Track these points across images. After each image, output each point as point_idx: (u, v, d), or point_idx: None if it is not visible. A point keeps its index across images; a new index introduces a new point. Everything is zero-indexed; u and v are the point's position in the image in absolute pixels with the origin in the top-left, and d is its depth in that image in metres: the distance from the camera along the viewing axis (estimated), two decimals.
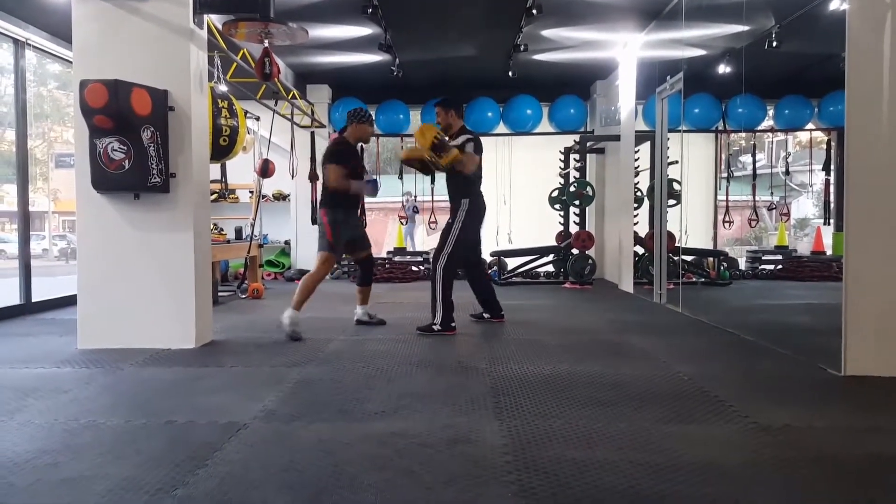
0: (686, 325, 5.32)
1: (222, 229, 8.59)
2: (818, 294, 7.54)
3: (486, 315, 5.45)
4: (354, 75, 9.14)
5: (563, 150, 9.32)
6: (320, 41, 7.52)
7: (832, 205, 9.90)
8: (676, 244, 7.33)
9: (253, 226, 8.10)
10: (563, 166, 9.33)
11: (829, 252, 9.79)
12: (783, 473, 2.16)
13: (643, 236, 8.19)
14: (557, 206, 9.31)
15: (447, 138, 4.82)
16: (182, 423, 2.68)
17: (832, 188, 9.96)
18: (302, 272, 8.11)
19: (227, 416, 2.76)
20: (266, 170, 7.90)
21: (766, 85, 9.18)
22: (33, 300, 6.04)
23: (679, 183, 7.42)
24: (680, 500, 1.94)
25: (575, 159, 8.92)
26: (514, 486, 2.03)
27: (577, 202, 8.72)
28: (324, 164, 4.91)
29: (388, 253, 9.93)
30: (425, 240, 12.61)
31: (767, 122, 10.02)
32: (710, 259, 9.25)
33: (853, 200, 3.48)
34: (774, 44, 6.96)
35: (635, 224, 8.02)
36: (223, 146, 6.03)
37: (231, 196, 9.41)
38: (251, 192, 9.25)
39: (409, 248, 11.27)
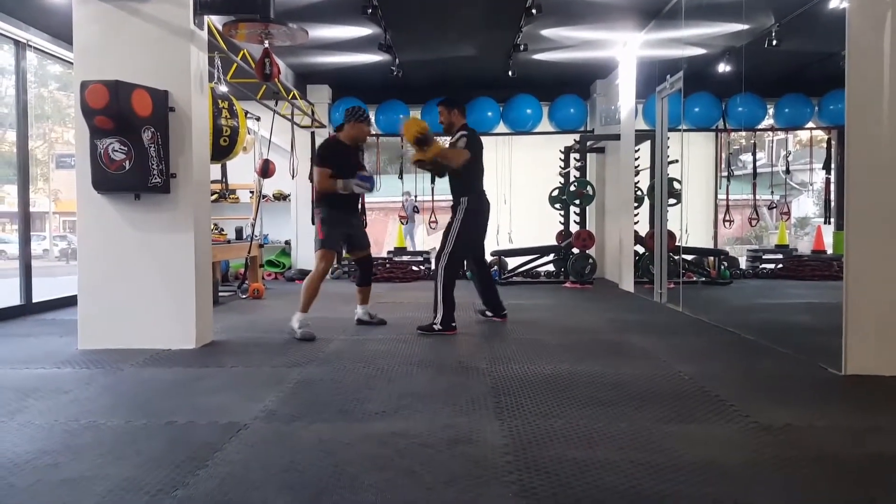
0: (686, 325, 5.32)
1: (223, 229, 8.60)
2: (819, 293, 7.53)
3: (488, 313, 5.46)
4: (354, 75, 9.14)
5: (563, 150, 9.32)
6: (320, 41, 7.52)
7: (832, 203, 9.90)
8: (677, 243, 7.33)
9: (253, 226, 8.10)
10: (563, 166, 9.33)
11: (829, 251, 9.78)
12: (784, 473, 2.15)
13: (643, 235, 8.19)
14: (558, 206, 9.31)
15: (432, 133, 4.82)
16: (182, 424, 2.68)
17: (832, 187, 9.95)
18: (303, 272, 8.12)
19: (227, 417, 2.76)
20: (266, 170, 7.90)
21: (766, 84, 9.18)
22: (34, 301, 6.05)
23: (679, 182, 7.41)
24: (681, 499, 1.94)
25: (575, 158, 8.92)
26: (515, 486, 2.03)
27: (577, 201, 8.72)
28: (312, 166, 4.92)
29: (389, 253, 9.93)
30: (426, 239, 12.62)
31: (768, 121, 10.01)
32: (711, 258, 9.25)
33: (853, 199, 3.48)
34: (774, 42, 6.96)
35: (636, 223, 8.02)
36: (224, 146, 6.04)
37: (231, 196, 9.42)
38: (252, 192, 9.26)
39: (410, 248, 11.27)
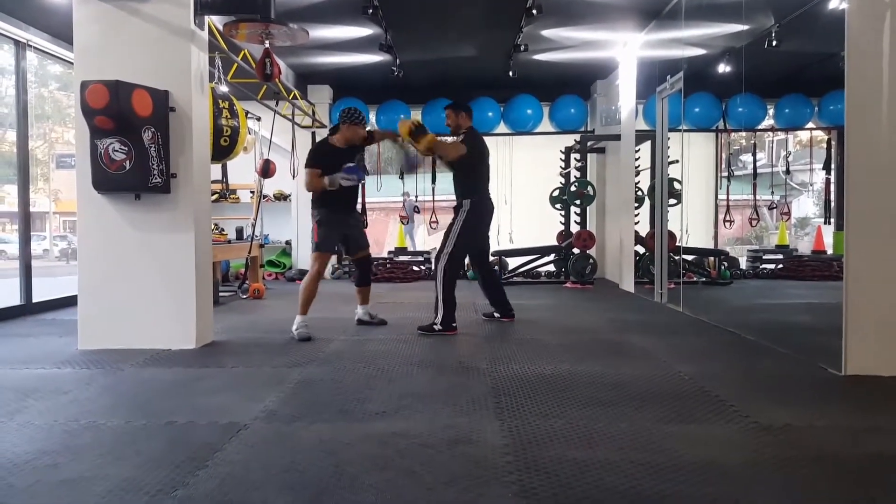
0: (687, 325, 5.32)
1: (223, 229, 8.61)
2: (819, 293, 7.53)
3: (496, 314, 5.47)
4: (355, 75, 9.15)
5: (563, 150, 9.32)
6: (321, 42, 7.52)
7: (832, 204, 9.89)
8: (677, 243, 7.33)
9: (254, 226, 8.10)
10: (563, 166, 9.34)
11: (829, 251, 9.78)
12: (784, 473, 2.16)
13: (644, 236, 8.19)
14: (558, 206, 9.31)
15: (426, 128, 4.86)
16: (182, 424, 2.68)
17: (832, 187, 9.95)
18: (303, 272, 8.09)
19: (227, 417, 2.76)
20: (267, 170, 7.90)
21: (766, 84, 9.17)
22: (34, 301, 6.04)
23: (679, 182, 7.41)
24: (681, 499, 1.94)
25: (576, 159, 8.92)
26: (515, 487, 2.03)
27: (577, 202, 8.72)
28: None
29: (389, 253, 9.93)
30: (426, 239, 12.62)
31: (768, 122, 10.01)
32: (711, 258, 9.25)
33: (853, 200, 3.48)
34: (774, 43, 6.95)
35: (636, 223, 8.02)
36: (224, 146, 6.04)
37: (232, 196, 9.41)
38: (252, 192, 9.25)
39: (410, 248, 11.27)
